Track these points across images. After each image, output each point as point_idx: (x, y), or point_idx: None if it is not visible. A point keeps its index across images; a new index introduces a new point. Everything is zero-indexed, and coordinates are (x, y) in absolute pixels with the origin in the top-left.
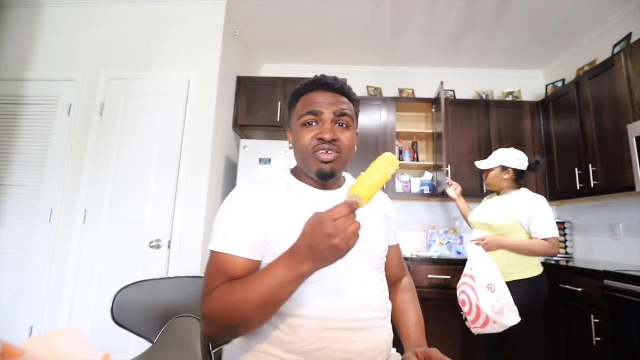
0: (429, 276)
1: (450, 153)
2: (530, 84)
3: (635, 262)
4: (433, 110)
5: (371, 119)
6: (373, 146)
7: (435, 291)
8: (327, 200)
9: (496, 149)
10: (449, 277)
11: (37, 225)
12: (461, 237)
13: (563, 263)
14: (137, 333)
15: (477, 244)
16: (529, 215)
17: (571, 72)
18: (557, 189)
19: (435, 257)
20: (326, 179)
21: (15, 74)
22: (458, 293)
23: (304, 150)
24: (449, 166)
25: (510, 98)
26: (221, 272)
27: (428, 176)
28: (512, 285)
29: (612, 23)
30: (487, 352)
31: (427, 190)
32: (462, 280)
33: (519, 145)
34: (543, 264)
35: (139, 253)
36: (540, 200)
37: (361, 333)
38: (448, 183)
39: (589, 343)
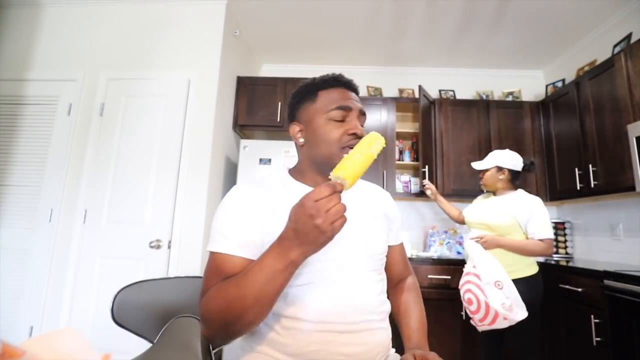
0: (429, 276)
1: (450, 153)
2: (530, 84)
3: (635, 262)
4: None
5: (371, 119)
6: None
7: (435, 291)
8: None
9: (496, 149)
10: (449, 277)
11: (37, 225)
12: (461, 237)
13: (563, 263)
14: (137, 333)
15: (476, 242)
16: (526, 217)
17: (571, 72)
18: (557, 189)
19: (435, 257)
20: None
21: (15, 74)
22: (462, 292)
23: (333, 145)
24: (426, 167)
25: (510, 98)
26: (218, 271)
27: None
28: None
29: (612, 23)
30: (486, 350)
31: None
32: (465, 278)
33: (519, 145)
34: (543, 264)
35: (139, 253)
36: (538, 201)
37: (357, 335)
38: (424, 185)
39: (589, 343)
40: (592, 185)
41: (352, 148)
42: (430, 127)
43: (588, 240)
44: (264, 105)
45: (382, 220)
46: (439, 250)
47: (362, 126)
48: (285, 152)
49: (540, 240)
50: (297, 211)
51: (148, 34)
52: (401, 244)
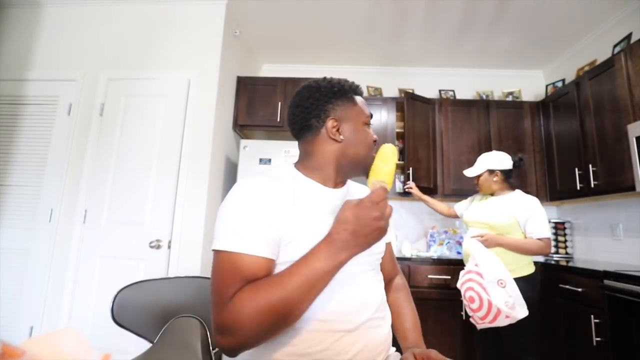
0: (429, 276)
1: (450, 153)
2: (530, 84)
3: (635, 262)
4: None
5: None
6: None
7: (435, 291)
8: (336, 197)
9: (496, 149)
10: (449, 277)
11: (37, 225)
12: (461, 237)
13: (563, 263)
14: (137, 333)
15: (477, 240)
16: (525, 216)
17: (571, 72)
18: (557, 189)
19: (435, 257)
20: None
21: (15, 74)
22: (463, 290)
23: (368, 148)
24: (411, 168)
25: (510, 98)
26: (237, 274)
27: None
28: None
29: (612, 23)
30: (484, 348)
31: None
32: (467, 276)
33: (519, 145)
34: (543, 264)
35: (139, 253)
36: (535, 201)
37: (362, 334)
38: (407, 185)
39: (589, 343)
40: (592, 185)
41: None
42: (428, 127)
43: (588, 240)
44: (264, 105)
45: None
46: (439, 250)
47: None
48: (285, 152)
49: (539, 239)
50: (360, 213)
51: (148, 34)
52: (390, 243)
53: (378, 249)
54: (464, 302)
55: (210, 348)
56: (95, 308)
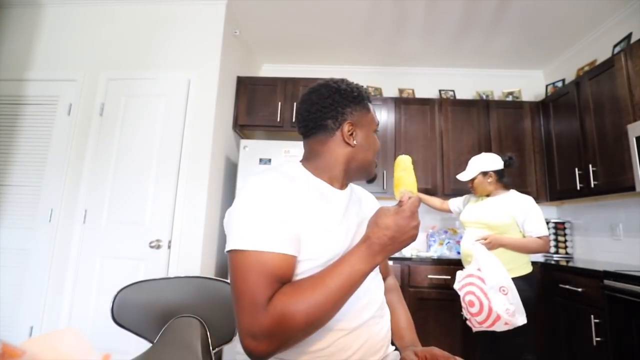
0: (429, 276)
1: (450, 153)
2: (530, 84)
3: (635, 262)
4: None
5: None
6: None
7: (435, 291)
8: (344, 198)
9: (496, 149)
10: (449, 277)
11: (37, 225)
12: (461, 237)
13: (563, 263)
14: (137, 333)
15: (481, 243)
16: (523, 215)
17: (571, 72)
18: (557, 189)
19: (435, 257)
20: (372, 181)
21: (15, 74)
22: (462, 293)
23: (375, 155)
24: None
25: (510, 98)
26: (270, 274)
27: None
28: None
29: (612, 23)
30: (482, 348)
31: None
32: (467, 280)
33: (519, 145)
34: (543, 264)
35: (139, 253)
36: (531, 200)
37: (363, 331)
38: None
39: (589, 343)
40: (592, 185)
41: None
42: (427, 127)
43: (588, 240)
44: (264, 105)
45: None
46: (439, 250)
47: None
48: (285, 152)
49: (539, 237)
50: (400, 221)
51: (148, 34)
52: None
53: None
54: (463, 304)
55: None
56: (95, 308)
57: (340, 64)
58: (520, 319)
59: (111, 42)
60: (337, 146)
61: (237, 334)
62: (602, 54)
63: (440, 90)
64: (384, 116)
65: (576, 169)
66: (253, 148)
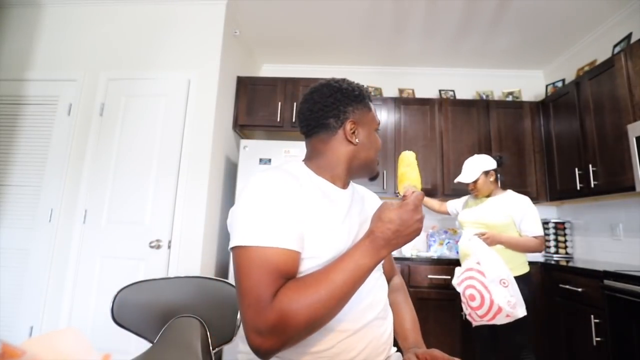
0: (429, 276)
1: (450, 153)
2: (530, 84)
3: (635, 262)
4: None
5: None
6: None
7: (435, 291)
8: (347, 196)
9: (496, 149)
10: (449, 277)
11: (37, 225)
12: (461, 237)
13: (563, 263)
14: (137, 333)
15: (479, 237)
16: (521, 215)
17: (571, 72)
18: (557, 189)
19: (435, 257)
20: (374, 179)
21: (15, 74)
22: (462, 288)
23: (376, 153)
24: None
25: (510, 98)
26: (274, 270)
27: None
28: None
29: (612, 23)
30: (481, 346)
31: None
32: (467, 274)
33: (519, 145)
34: (543, 264)
35: (139, 253)
36: (528, 200)
37: (367, 332)
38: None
39: (589, 343)
40: (592, 185)
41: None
42: (427, 127)
43: (588, 240)
44: (264, 105)
45: None
46: (439, 250)
47: None
48: (285, 152)
49: (535, 237)
50: (403, 215)
51: (148, 34)
52: None
53: None
54: (463, 299)
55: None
56: (95, 308)
57: (340, 64)
58: (521, 311)
59: (111, 42)
60: (339, 144)
61: (243, 330)
62: (602, 54)
63: (440, 90)
64: (384, 116)
65: (576, 169)
66: (253, 148)
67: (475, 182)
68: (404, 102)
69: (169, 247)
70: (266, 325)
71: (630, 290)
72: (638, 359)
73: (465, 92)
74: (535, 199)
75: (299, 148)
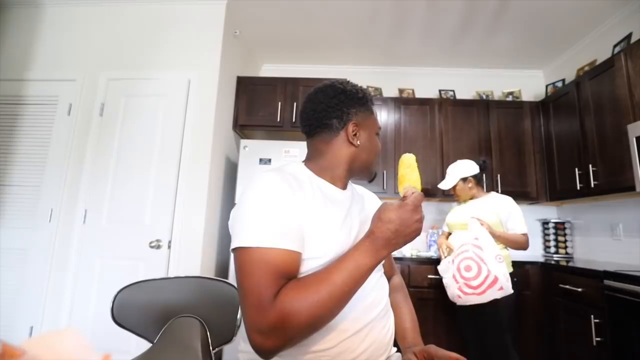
0: (429, 276)
1: (450, 153)
2: (530, 84)
3: (635, 262)
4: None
5: None
6: None
7: (435, 291)
8: (346, 198)
9: (496, 149)
10: None
11: (37, 225)
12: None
13: (563, 263)
14: (137, 333)
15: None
16: (506, 214)
17: (571, 72)
18: (557, 189)
19: (435, 257)
20: (372, 181)
21: (15, 74)
22: (458, 259)
23: (377, 156)
24: None
25: (510, 98)
26: (275, 271)
27: None
28: None
29: (612, 23)
30: (471, 344)
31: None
32: (464, 247)
33: (519, 145)
34: (543, 264)
35: (139, 253)
36: (512, 200)
37: (369, 332)
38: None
39: (589, 343)
40: (592, 185)
41: None
42: (427, 127)
43: (588, 240)
44: (264, 105)
45: None
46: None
47: None
48: (285, 152)
49: (522, 234)
50: (403, 215)
51: (148, 34)
52: None
53: None
54: (455, 273)
55: (210, 348)
56: (95, 308)
57: (340, 64)
58: (510, 287)
59: (111, 42)
60: (340, 146)
61: (245, 330)
62: (602, 54)
63: (440, 90)
64: (384, 116)
65: (576, 169)
66: (253, 148)
67: (453, 188)
68: (404, 102)
69: (169, 247)
70: (268, 325)
71: (630, 290)
72: (638, 359)
73: (465, 92)
74: (535, 199)
75: (299, 148)
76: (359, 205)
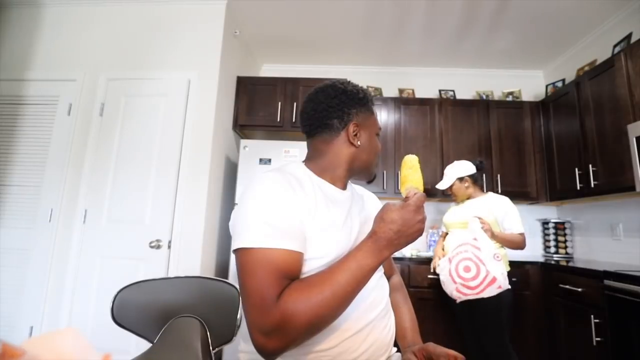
0: (429, 276)
1: (450, 153)
2: (530, 84)
3: (635, 262)
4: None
5: None
6: None
7: (435, 291)
8: (346, 198)
9: (496, 149)
10: None
11: (37, 225)
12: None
13: (563, 263)
14: (137, 333)
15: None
16: (503, 213)
17: (571, 72)
18: (557, 189)
19: None
20: (371, 181)
21: (15, 74)
22: (457, 260)
23: (377, 157)
24: None
25: (510, 98)
26: (278, 271)
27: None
28: None
29: (612, 23)
30: (469, 343)
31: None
32: (463, 248)
33: (519, 145)
34: (543, 264)
35: (139, 253)
36: (508, 200)
37: (370, 332)
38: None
39: (589, 343)
40: (592, 185)
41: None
42: (427, 127)
43: (588, 240)
44: (264, 105)
45: None
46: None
47: None
48: (285, 152)
49: (519, 234)
50: (405, 215)
51: (148, 33)
52: None
53: None
54: (454, 273)
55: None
56: (95, 308)
57: (340, 64)
58: (507, 283)
59: (111, 42)
60: (341, 146)
61: (248, 330)
62: (602, 54)
63: (440, 90)
64: (384, 116)
65: (576, 169)
66: (253, 148)
67: (450, 188)
68: (404, 102)
69: (169, 247)
70: (271, 326)
71: (630, 290)
72: (638, 359)
73: (465, 92)
74: (535, 199)
75: (299, 148)
76: (359, 205)
